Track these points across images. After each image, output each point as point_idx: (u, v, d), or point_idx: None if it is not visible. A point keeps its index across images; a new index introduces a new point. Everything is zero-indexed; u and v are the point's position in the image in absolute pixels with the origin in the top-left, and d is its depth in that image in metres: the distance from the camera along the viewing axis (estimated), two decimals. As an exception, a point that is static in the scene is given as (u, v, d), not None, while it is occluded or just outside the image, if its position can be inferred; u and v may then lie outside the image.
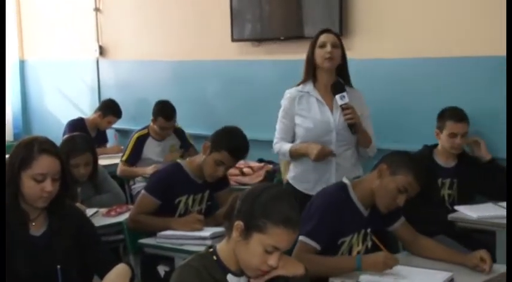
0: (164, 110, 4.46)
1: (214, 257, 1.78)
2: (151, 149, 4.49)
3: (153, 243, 2.80)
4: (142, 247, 2.86)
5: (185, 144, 4.67)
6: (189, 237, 2.74)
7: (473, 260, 2.35)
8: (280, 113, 3.18)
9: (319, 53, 3.06)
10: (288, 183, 3.19)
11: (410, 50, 4.08)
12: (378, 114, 4.28)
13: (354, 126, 2.99)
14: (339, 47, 3.09)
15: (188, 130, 4.77)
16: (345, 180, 2.52)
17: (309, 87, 3.10)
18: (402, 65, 4.14)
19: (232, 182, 3.84)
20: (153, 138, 4.52)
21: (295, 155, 3.09)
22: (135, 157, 4.44)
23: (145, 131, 4.54)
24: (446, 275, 2.23)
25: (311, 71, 3.11)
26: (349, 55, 4.40)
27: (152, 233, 2.84)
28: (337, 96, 3.00)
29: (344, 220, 2.40)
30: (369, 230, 2.48)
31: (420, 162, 2.48)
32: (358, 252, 2.45)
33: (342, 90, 3.01)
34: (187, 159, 3.21)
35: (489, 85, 3.68)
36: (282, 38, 4.65)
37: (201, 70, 5.20)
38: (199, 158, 3.01)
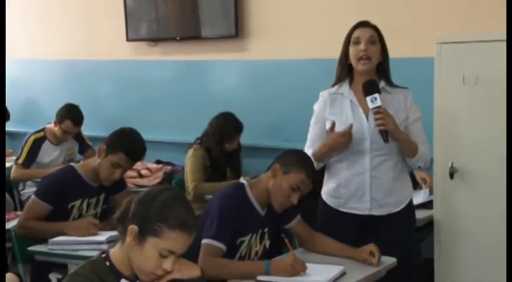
0: (73, 114, 4.30)
1: (107, 263, 1.73)
2: (48, 152, 4.32)
3: (44, 250, 2.69)
4: (32, 255, 2.74)
5: (84, 146, 4.53)
6: (84, 242, 2.65)
7: (363, 254, 2.46)
8: (312, 119, 2.74)
9: (352, 52, 2.59)
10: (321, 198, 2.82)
11: (305, 52, 4.21)
12: (271, 113, 4.41)
13: (385, 133, 2.55)
14: (377, 42, 2.60)
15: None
16: (242, 180, 2.54)
17: (344, 88, 2.66)
18: (295, 66, 4.26)
19: (129, 184, 3.78)
20: (50, 141, 4.34)
21: (320, 156, 2.64)
22: (30, 161, 4.24)
23: (42, 133, 4.35)
24: (338, 268, 2.32)
25: (345, 73, 2.66)
26: (244, 56, 4.45)
27: (43, 240, 2.72)
28: (368, 99, 2.54)
29: (242, 220, 2.42)
30: (266, 230, 2.51)
31: (312, 161, 2.53)
32: (256, 252, 2.48)
33: (374, 91, 2.55)
34: (81, 162, 3.11)
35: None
36: (178, 38, 4.63)
37: (94, 70, 5.07)
38: (94, 161, 2.92)
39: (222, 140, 3.89)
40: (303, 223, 2.63)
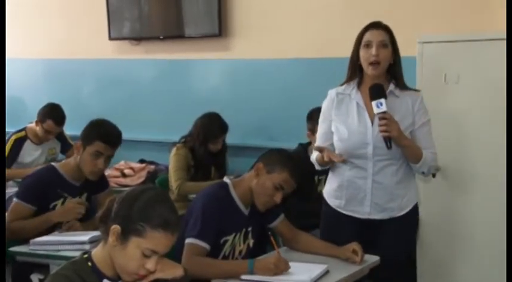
0: (55, 113, 4.26)
1: (89, 263, 1.72)
2: (29, 152, 4.28)
3: (26, 251, 2.65)
4: (13, 255, 2.71)
5: (66, 146, 4.49)
6: (66, 242, 2.62)
7: (346, 252, 2.47)
8: (320, 118, 2.72)
9: (363, 55, 2.55)
10: (319, 196, 2.82)
11: (288, 51, 4.22)
12: (254, 112, 4.41)
13: (389, 140, 2.48)
14: (388, 45, 2.55)
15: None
16: (226, 180, 2.54)
17: (352, 89, 2.62)
18: (279, 65, 4.28)
19: (112, 183, 3.76)
20: (31, 141, 4.30)
21: (321, 163, 2.66)
22: (11, 161, 4.20)
23: (23, 133, 4.30)
24: (322, 267, 2.33)
25: (355, 73, 2.62)
26: (227, 55, 4.43)
27: (24, 240, 2.69)
28: (373, 103, 2.47)
29: (226, 219, 2.42)
30: (250, 229, 2.52)
31: (295, 160, 2.54)
32: (240, 251, 2.49)
33: (380, 95, 2.47)
34: (62, 161, 3.08)
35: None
36: (161, 37, 4.61)
37: (76, 69, 5.03)
38: (74, 160, 2.90)
39: (207, 140, 3.88)
40: (286, 222, 2.64)
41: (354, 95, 2.61)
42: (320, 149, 2.56)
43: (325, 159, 2.51)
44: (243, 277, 2.26)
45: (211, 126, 3.89)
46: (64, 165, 2.95)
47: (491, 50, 3.11)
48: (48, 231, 2.77)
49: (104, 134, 2.84)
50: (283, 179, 2.43)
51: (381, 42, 2.53)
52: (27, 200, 2.79)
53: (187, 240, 2.33)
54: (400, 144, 2.52)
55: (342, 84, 2.66)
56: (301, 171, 2.51)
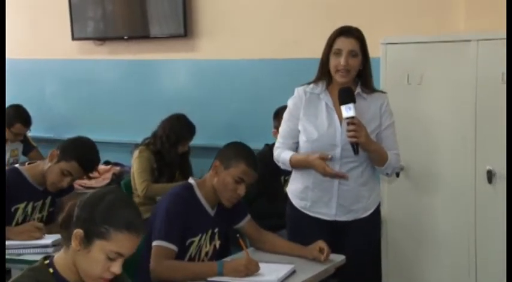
0: (22, 116, 4.17)
1: (51, 270, 1.68)
2: None
3: (-14, 256, 2.60)
4: (-27, 261, 2.64)
5: (28, 147, 4.40)
6: (28, 246, 2.58)
7: (313, 252, 2.48)
8: (285, 114, 2.69)
9: (332, 62, 2.55)
10: (286, 196, 2.78)
11: (253, 52, 4.23)
12: (221, 113, 4.40)
13: (356, 145, 2.49)
14: (359, 54, 2.55)
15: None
16: (191, 180, 2.52)
17: (320, 88, 2.61)
18: (245, 66, 4.28)
19: (76, 185, 3.69)
20: None
21: (298, 166, 2.63)
22: None
23: None
24: (288, 267, 2.34)
25: (325, 75, 2.61)
26: (193, 56, 4.40)
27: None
28: (343, 107, 2.47)
29: (192, 220, 2.40)
30: (216, 230, 2.50)
31: (250, 150, 2.52)
32: (207, 253, 2.47)
33: (350, 99, 2.47)
34: (26, 164, 3.03)
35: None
36: (126, 37, 4.57)
37: (39, 69, 4.95)
38: (43, 164, 2.84)
39: (177, 142, 3.84)
40: (252, 222, 2.63)
41: (323, 96, 2.61)
42: (323, 157, 2.51)
43: (328, 171, 2.49)
44: (211, 279, 2.25)
45: (182, 127, 3.86)
46: (30, 168, 2.88)
47: (453, 51, 3.17)
48: None
49: (84, 158, 2.78)
50: (241, 171, 2.42)
51: (351, 52, 2.53)
52: None
53: (154, 243, 2.31)
54: (368, 149, 2.54)
55: (309, 83, 2.66)
56: (257, 159, 2.50)
